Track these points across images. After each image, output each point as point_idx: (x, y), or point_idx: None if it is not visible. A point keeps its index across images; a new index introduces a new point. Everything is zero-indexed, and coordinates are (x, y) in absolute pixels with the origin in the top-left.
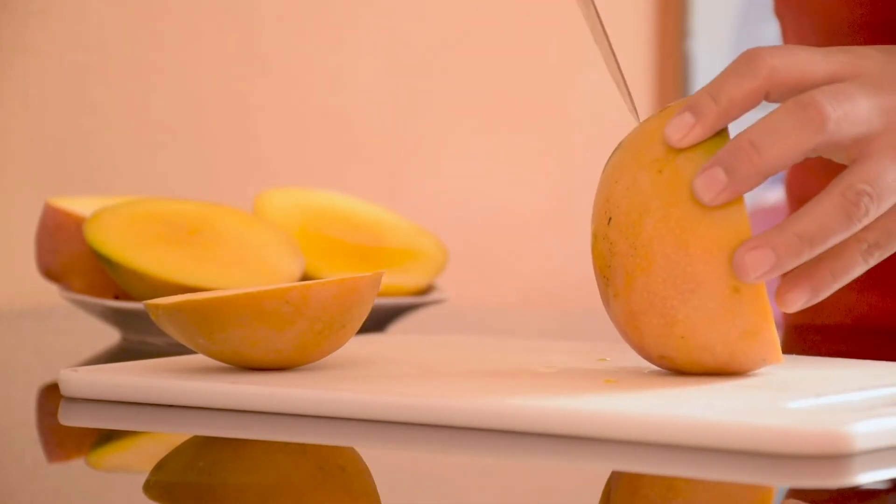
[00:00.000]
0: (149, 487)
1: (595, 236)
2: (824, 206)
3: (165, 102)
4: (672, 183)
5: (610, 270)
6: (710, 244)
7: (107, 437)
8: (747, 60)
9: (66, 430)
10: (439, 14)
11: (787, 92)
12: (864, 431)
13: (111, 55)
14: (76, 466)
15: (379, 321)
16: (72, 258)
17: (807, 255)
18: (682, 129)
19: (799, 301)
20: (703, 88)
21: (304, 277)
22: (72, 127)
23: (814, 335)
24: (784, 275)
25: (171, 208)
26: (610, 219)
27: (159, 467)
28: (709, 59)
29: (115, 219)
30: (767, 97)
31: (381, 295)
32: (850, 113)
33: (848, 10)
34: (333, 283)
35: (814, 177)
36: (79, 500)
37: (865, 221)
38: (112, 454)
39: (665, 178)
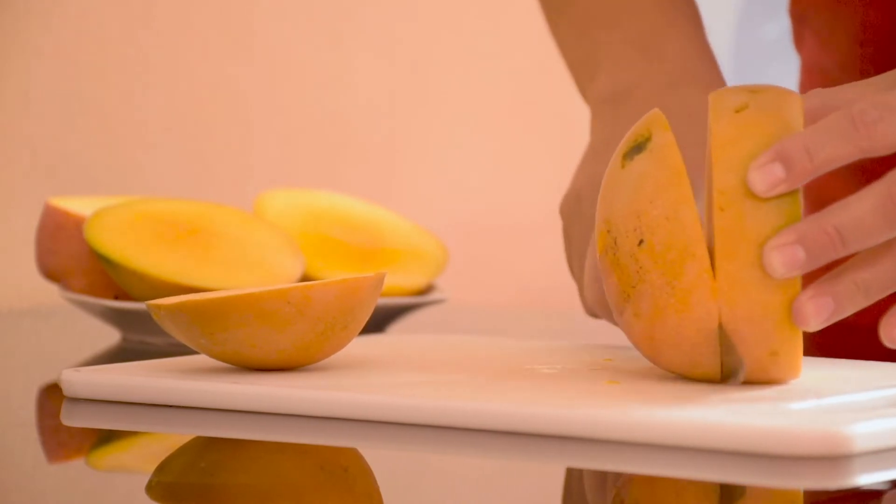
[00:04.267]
0: (151, 488)
1: (615, 244)
2: (885, 262)
3: (166, 103)
4: (732, 231)
5: (634, 291)
6: (758, 308)
7: (109, 437)
8: (853, 123)
9: (67, 430)
10: (439, 13)
11: (885, 153)
12: (864, 432)
13: (111, 55)
14: (78, 467)
15: (379, 321)
16: (72, 258)
17: (865, 304)
18: (770, 181)
19: None
20: (798, 138)
21: (305, 278)
22: (72, 127)
23: (816, 335)
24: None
25: (171, 208)
26: (641, 241)
27: (161, 468)
28: None
29: (115, 219)
30: (861, 158)
31: (380, 295)
32: None
33: (883, 19)
34: (335, 283)
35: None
36: (80, 500)
37: None
38: (114, 454)
39: (726, 220)
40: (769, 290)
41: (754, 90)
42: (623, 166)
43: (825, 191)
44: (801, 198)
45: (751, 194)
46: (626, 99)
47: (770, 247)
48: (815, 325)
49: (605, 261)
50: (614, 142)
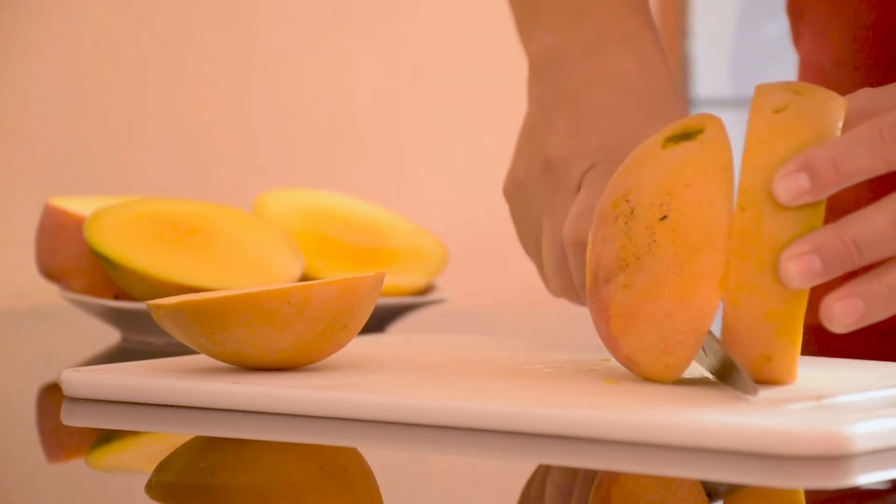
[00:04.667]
0: (150, 487)
1: (632, 213)
2: None
3: (166, 103)
4: (749, 232)
5: (637, 263)
6: (760, 312)
7: (109, 437)
8: (881, 136)
9: (67, 430)
10: (439, 13)
11: None
12: (864, 432)
13: (111, 55)
14: (78, 467)
15: (379, 321)
16: (72, 258)
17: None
18: (795, 191)
19: None
20: (825, 148)
21: (304, 278)
22: (72, 127)
23: (816, 335)
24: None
25: (170, 208)
26: (665, 217)
27: (161, 467)
28: (709, 59)
29: (115, 219)
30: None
31: (380, 295)
32: None
33: (878, 15)
34: (335, 283)
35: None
36: (80, 500)
37: None
38: (114, 454)
39: (745, 220)
40: (774, 296)
41: (799, 91)
42: (664, 147)
43: (838, 197)
44: (823, 209)
45: (773, 199)
46: (555, 62)
47: (787, 256)
48: (842, 327)
49: (612, 227)
50: (549, 116)
